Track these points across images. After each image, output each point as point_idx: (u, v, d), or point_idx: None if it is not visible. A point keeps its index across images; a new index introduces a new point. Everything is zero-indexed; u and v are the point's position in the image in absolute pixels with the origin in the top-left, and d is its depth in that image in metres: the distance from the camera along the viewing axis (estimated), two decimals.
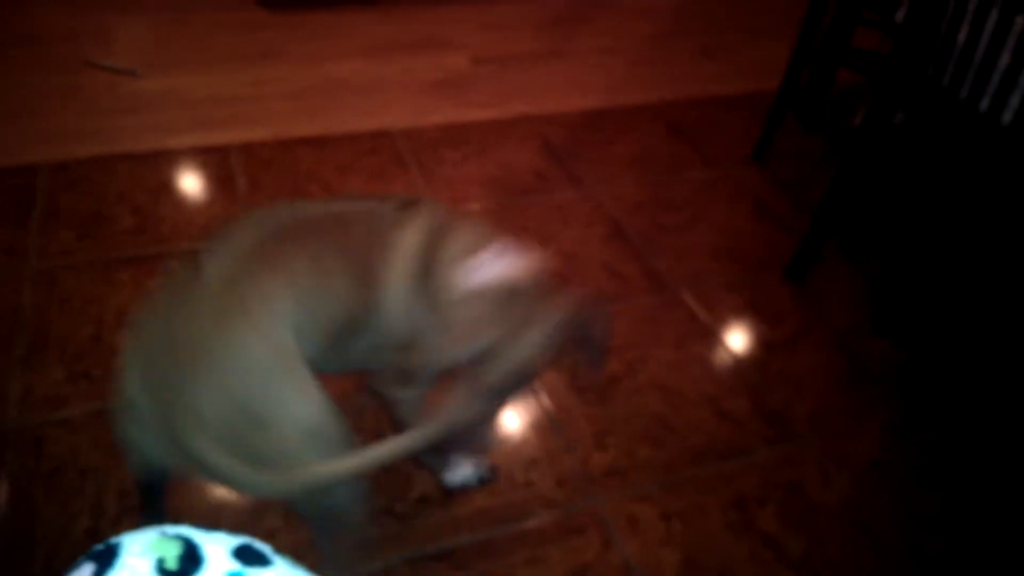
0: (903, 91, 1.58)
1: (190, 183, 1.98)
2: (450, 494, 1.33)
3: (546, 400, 1.51)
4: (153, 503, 1.09)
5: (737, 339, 1.71)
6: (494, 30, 2.85)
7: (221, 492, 1.30)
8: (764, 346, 1.69)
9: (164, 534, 0.50)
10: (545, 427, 1.46)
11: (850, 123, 2.46)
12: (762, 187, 2.18)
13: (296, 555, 0.55)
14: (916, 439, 1.52)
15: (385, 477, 1.34)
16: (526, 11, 3.01)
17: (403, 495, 1.32)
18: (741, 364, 1.65)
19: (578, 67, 2.69)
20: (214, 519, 1.27)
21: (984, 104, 1.41)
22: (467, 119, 2.34)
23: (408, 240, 1.05)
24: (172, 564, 0.48)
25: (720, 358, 1.66)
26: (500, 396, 1.09)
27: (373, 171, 2.08)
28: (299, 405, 0.90)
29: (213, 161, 2.05)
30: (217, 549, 0.50)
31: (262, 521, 1.26)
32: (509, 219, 1.96)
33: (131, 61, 2.41)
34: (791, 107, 2.27)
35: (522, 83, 2.56)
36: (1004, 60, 1.37)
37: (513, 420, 1.47)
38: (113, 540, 0.50)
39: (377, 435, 1.08)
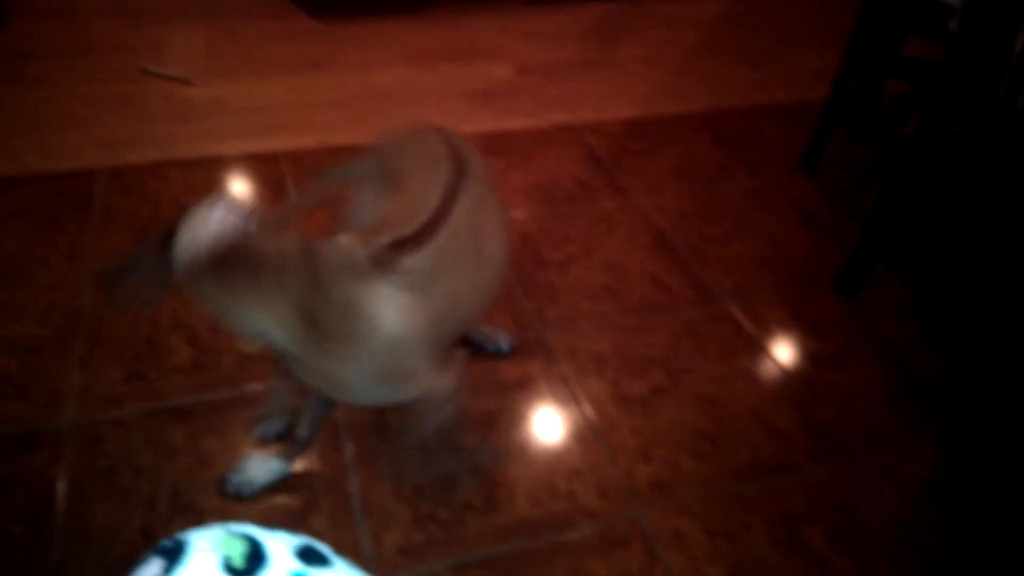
0: (957, 101, 1.54)
1: (240, 188, 2.02)
2: (492, 500, 1.33)
3: (588, 410, 1.51)
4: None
5: (784, 352, 1.68)
6: (537, 39, 2.86)
7: (270, 493, 1.32)
8: (812, 360, 1.67)
9: (230, 532, 0.51)
10: (588, 437, 1.46)
11: (901, 134, 2.41)
12: (810, 198, 2.15)
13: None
14: (970, 457, 1.49)
15: (430, 484, 1.35)
16: (569, 21, 3.02)
17: (447, 501, 1.33)
18: (788, 378, 1.62)
19: (621, 76, 2.68)
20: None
21: None
22: (510, 127, 2.35)
23: None
24: (238, 562, 0.49)
25: (767, 371, 1.63)
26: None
27: None
28: None
29: (262, 167, 2.09)
30: (280, 548, 0.51)
31: (308, 523, 1.28)
32: (553, 228, 1.96)
33: (185, 70, 2.48)
34: (840, 117, 2.23)
35: (565, 92, 2.56)
36: None
37: (555, 429, 1.47)
38: (180, 536, 0.51)
39: None
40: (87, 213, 1.88)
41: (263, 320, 0.99)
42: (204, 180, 2.02)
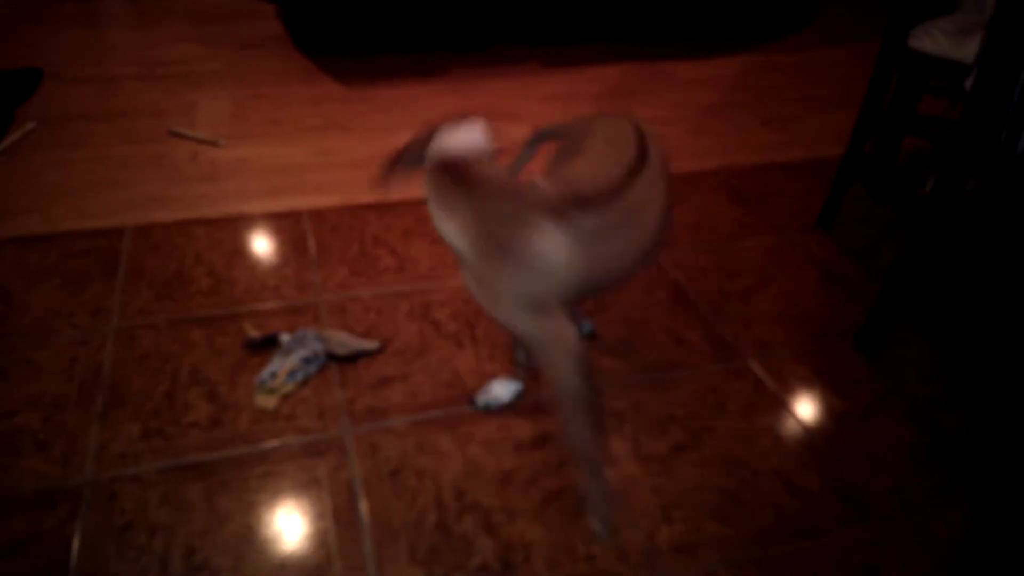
0: (974, 158, 1.55)
1: (263, 246, 2.05)
2: (508, 563, 1.30)
3: (611, 470, 1.48)
4: None
5: (807, 410, 1.66)
6: (554, 101, 2.92)
7: (283, 553, 1.30)
8: (836, 418, 1.64)
9: None
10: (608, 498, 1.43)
11: (920, 191, 2.41)
12: (829, 254, 2.14)
13: None
14: (1003, 519, 1.43)
15: (445, 545, 1.33)
16: (585, 83, 3.09)
17: (462, 564, 1.30)
18: (812, 437, 1.59)
19: None
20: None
21: None
22: None
23: None
24: None
25: (789, 430, 1.60)
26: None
27: (436, 236, 2.11)
28: None
29: (285, 226, 2.13)
30: None
31: None
32: None
33: (212, 132, 2.55)
34: (857, 175, 2.24)
35: None
36: None
37: (573, 489, 1.45)
38: None
39: None
40: (113, 270, 1.92)
41: (454, 224, 1.24)
42: (229, 238, 2.06)
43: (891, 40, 1.97)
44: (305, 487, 1.41)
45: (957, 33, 1.88)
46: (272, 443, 1.49)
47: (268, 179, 2.35)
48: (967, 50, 1.83)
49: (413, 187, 2.26)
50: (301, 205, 2.22)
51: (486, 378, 1.66)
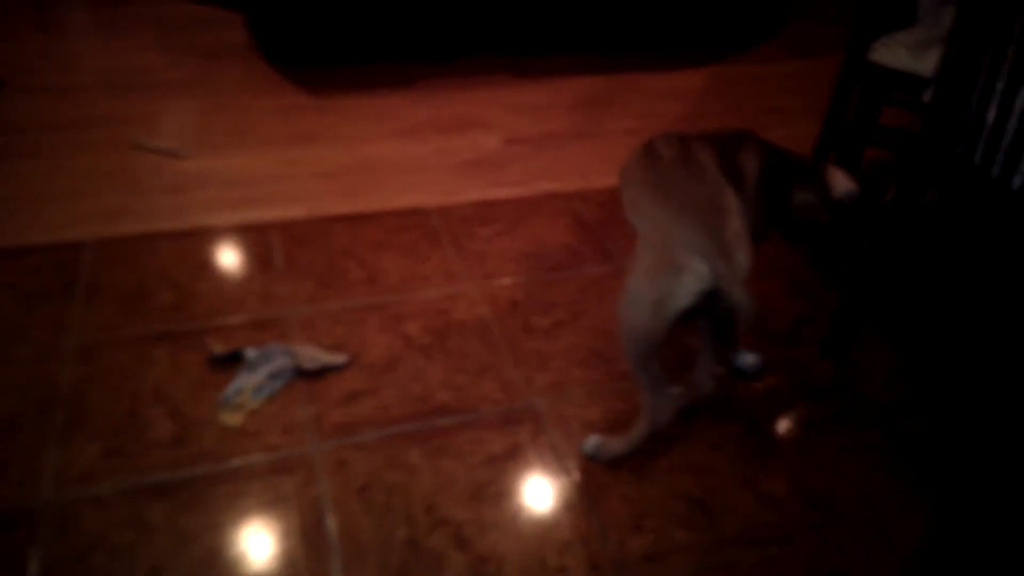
0: (933, 169, 1.58)
1: (229, 260, 2.03)
2: None
3: (579, 479, 1.48)
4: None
5: (774, 417, 1.67)
6: (525, 112, 2.93)
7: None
8: (802, 425, 1.65)
9: None
10: (578, 508, 1.43)
11: (881, 200, 2.45)
12: (795, 263, 2.17)
13: None
14: (965, 521, 1.46)
15: (415, 561, 1.31)
16: (555, 94, 3.10)
17: None
18: (779, 444, 1.61)
19: (608, 147, 2.74)
20: None
21: (1017, 181, 1.40)
22: (499, 197, 2.39)
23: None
24: None
25: (758, 437, 1.62)
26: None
27: (407, 247, 2.11)
28: None
29: (251, 239, 2.10)
30: None
31: None
32: (542, 294, 1.97)
33: (176, 143, 2.52)
34: None
35: (553, 162, 2.61)
36: None
37: (545, 500, 1.44)
38: None
39: None
40: (73, 285, 1.88)
41: None
42: (193, 251, 2.03)
43: (853, 53, 2.01)
44: (272, 505, 1.39)
45: (916, 47, 1.93)
46: (238, 461, 1.47)
47: (234, 191, 2.32)
48: (926, 63, 1.88)
49: (381, 198, 2.24)
50: (268, 217, 2.19)
51: (457, 391, 1.65)
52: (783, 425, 1.66)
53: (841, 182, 1.49)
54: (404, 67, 3.20)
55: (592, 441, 1.53)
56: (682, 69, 3.40)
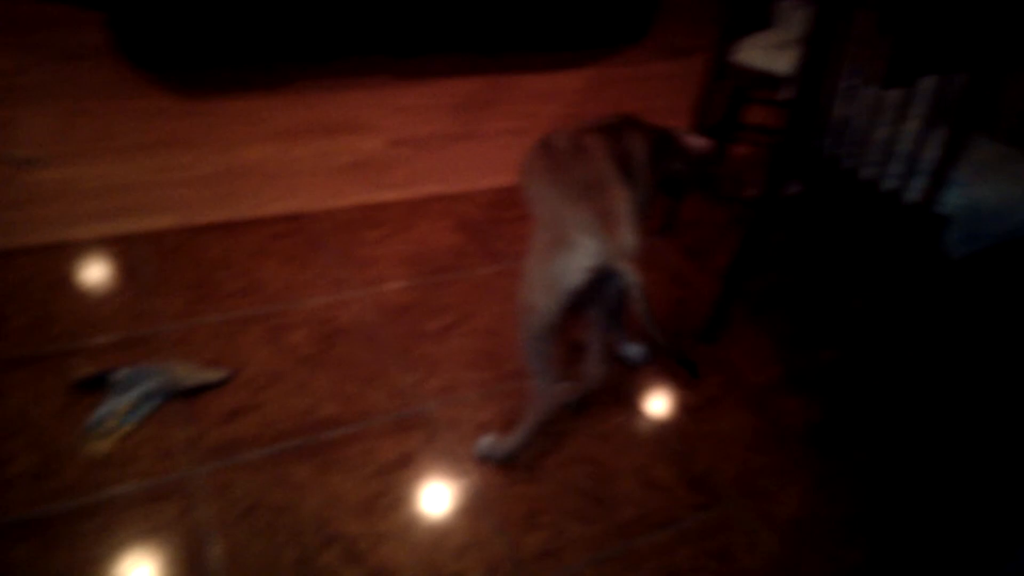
0: (794, 164, 1.68)
1: (93, 275, 1.90)
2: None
3: (474, 481, 1.48)
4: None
5: (659, 406, 1.73)
6: (407, 113, 2.91)
7: None
8: (684, 411, 1.72)
9: None
10: (475, 510, 1.43)
11: (747, 194, 2.59)
12: (674, 256, 2.26)
13: None
14: (837, 493, 1.56)
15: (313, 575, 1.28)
16: (437, 95, 3.09)
17: None
18: (664, 431, 1.66)
19: (491, 148, 2.75)
20: None
21: (865, 173, 1.51)
22: (384, 200, 2.35)
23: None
24: None
25: (644, 426, 1.67)
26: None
27: (287, 254, 2.05)
28: None
29: (117, 252, 1.98)
30: None
31: None
32: (430, 297, 1.96)
33: (33, 152, 2.33)
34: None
35: (437, 164, 2.60)
36: (882, 132, 1.48)
37: (441, 506, 1.43)
38: None
39: None
40: None
41: None
42: (53, 267, 1.89)
43: (717, 54, 2.11)
44: (150, 536, 1.31)
45: (773, 48, 2.04)
46: (110, 491, 1.38)
47: (97, 201, 2.17)
48: (781, 63, 1.99)
49: (258, 204, 2.16)
50: (135, 228, 2.07)
51: (345, 401, 1.62)
52: (665, 412, 1.72)
53: (696, 142, 1.68)
54: (279, 69, 3.10)
55: (484, 442, 1.53)
56: (559, 71, 3.47)
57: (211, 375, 1.61)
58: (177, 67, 2.98)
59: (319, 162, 2.52)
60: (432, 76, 3.24)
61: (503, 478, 1.50)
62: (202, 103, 2.78)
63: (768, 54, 2.02)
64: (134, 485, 1.39)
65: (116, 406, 1.49)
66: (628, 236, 1.32)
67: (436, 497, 1.45)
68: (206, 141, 2.54)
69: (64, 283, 1.85)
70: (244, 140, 2.59)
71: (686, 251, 2.29)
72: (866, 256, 2.31)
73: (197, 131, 2.59)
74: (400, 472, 1.48)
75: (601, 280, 1.37)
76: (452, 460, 1.52)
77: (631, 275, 1.29)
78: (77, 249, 1.97)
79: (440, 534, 1.38)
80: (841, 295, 2.18)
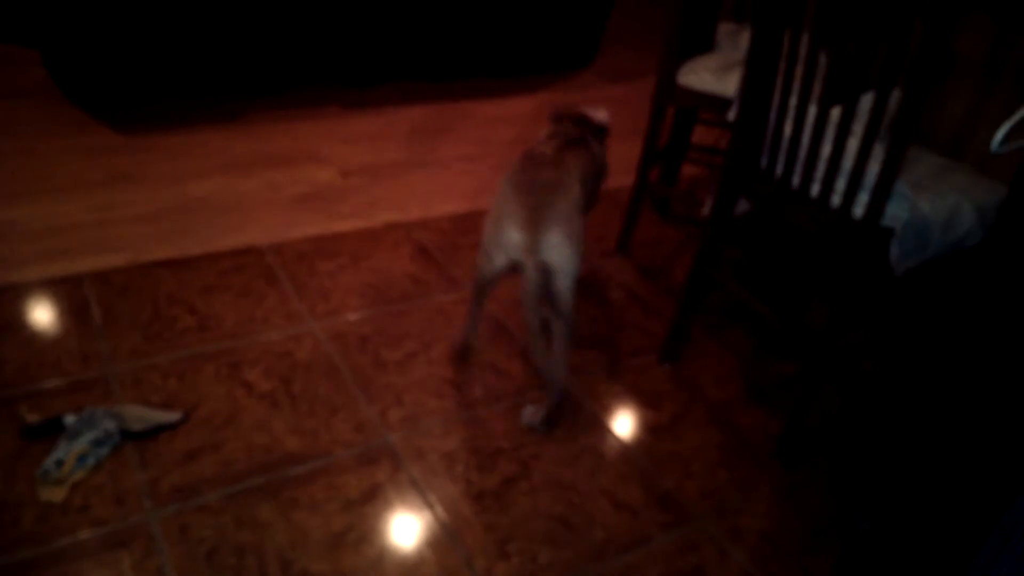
0: (742, 182, 1.72)
1: (38, 318, 1.83)
2: None
3: (441, 512, 1.46)
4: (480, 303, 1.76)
5: (623, 426, 1.74)
6: (358, 142, 2.90)
7: None
8: (649, 430, 1.73)
9: None
10: (443, 542, 1.41)
11: (699, 213, 2.64)
12: (629, 276, 2.29)
13: None
14: (804, 504, 1.59)
15: None
16: (388, 124, 3.09)
17: None
18: (629, 451, 1.67)
19: (445, 174, 2.76)
20: None
21: (815, 190, 1.56)
22: (338, 230, 2.33)
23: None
24: None
25: (609, 447, 1.67)
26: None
27: (241, 288, 2.01)
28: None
29: (63, 292, 1.92)
30: None
31: None
32: (390, 326, 1.94)
33: None
34: (646, 201, 2.42)
35: (391, 192, 2.59)
36: (826, 149, 1.53)
37: (408, 539, 1.41)
38: None
39: None
40: None
41: None
42: None
43: (663, 77, 2.15)
44: None
45: (718, 70, 2.10)
46: (64, 540, 1.32)
47: (41, 242, 2.11)
48: (728, 85, 2.05)
49: (209, 238, 2.12)
50: (81, 268, 2.01)
51: (307, 436, 1.59)
52: (631, 432, 1.73)
53: (600, 115, 1.96)
54: (225, 102, 3.06)
55: (527, 413, 1.70)
56: (510, 96, 3.50)
57: (165, 416, 1.56)
58: (114, 104, 2.92)
59: (270, 194, 2.49)
60: (382, 105, 3.24)
61: (471, 509, 1.48)
62: (147, 138, 2.72)
63: (714, 76, 2.07)
64: (91, 532, 1.33)
65: (67, 452, 1.43)
66: (543, 237, 1.51)
67: (404, 530, 1.43)
68: (153, 176, 2.49)
69: (10, 327, 1.78)
70: (192, 174, 2.54)
71: (642, 271, 2.32)
72: (819, 270, 2.37)
73: (143, 167, 2.54)
74: (366, 506, 1.46)
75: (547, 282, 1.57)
76: (419, 491, 1.50)
77: (530, 270, 1.51)
78: (23, 291, 1.90)
79: (409, 567, 1.35)
80: (798, 309, 2.23)
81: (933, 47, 1.28)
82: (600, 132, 1.95)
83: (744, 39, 2.29)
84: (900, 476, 1.67)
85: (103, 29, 2.71)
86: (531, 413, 1.69)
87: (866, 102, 1.43)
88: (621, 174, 2.77)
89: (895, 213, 1.48)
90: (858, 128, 1.49)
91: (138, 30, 2.77)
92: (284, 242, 2.23)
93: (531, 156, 1.68)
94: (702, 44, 2.27)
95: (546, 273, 1.53)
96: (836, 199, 1.52)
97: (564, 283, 1.55)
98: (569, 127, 1.86)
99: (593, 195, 1.88)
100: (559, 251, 1.52)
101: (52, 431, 1.50)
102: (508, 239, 1.54)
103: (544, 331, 1.60)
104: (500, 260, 1.59)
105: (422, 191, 2.62)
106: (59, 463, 1.42)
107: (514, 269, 1.58)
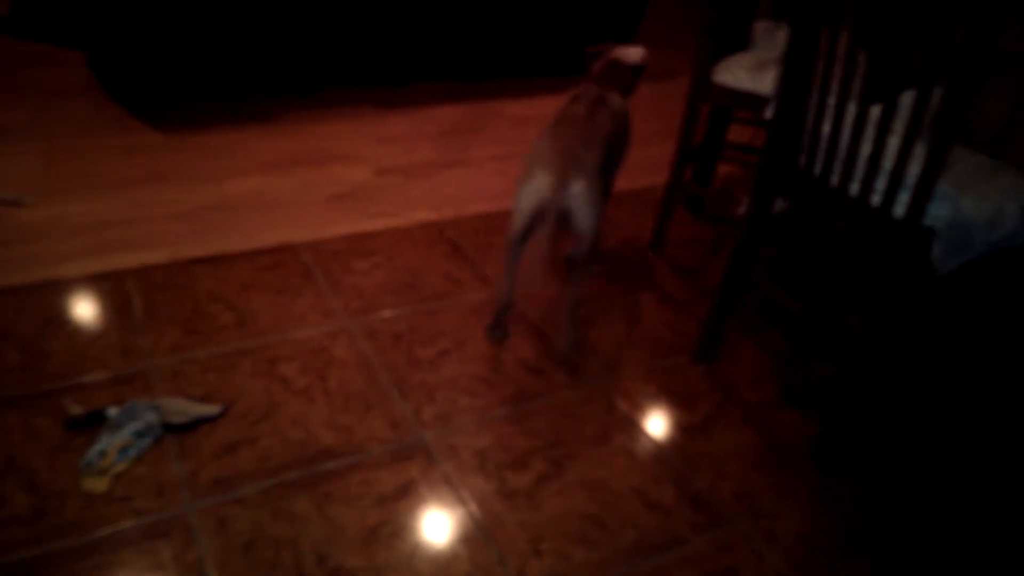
0: (779, 181, 1.70)
1: (82, 313, 1.88)
2: None
3: (474, 509, 1.47)
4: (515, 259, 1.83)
5: (657, 426, 1.73)
6: (392, 142, 2.92)
7: None
8: (683, 430, 1.72)
9: None
10: (476, 539, 1.42)
11: (734, 213, 2.62)
12: (663, 275, 2.27)
13: None
14: (840, 507, 1.56)
15: None
16: (421, 124, 3.11)
17: None
18: (663, 451, 1.66)
19: (478, 173, 2.77)
20: None
21: (854, 189, 1.54)
22: (372, 228, 2.35)
23: None
24: None
25: (643, 447, 1.67)
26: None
27: (278, 286, 2.04)
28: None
29: (106, 288, 1.96)
30: None
31: None
32: (424, 324, 1.95)
33: (18, 191, 2.32)
34: (680, 200, 2.40)
35: (425, 191, 2.61)
36: (866, 148, 1.51)
37: (441, 535, 1.42)
38: None
39: None
40: None
41: None
42: (40, 306, 1.87)
43: (698, 76, 2.14)
44: (149, 574, 1.29)
45: (754, 68, 2.08)
46: (106, 530, 1.35)
47: (85, 238, 2.16)
48: (764, 83, 2.03)
49: (246, 236, 2.16)
50: (123, 264, 2.06)
51: (342, 432, 1.60)
52: (664, 432, 1.72)
53: (634, 55, 2.08)
54: (261, 102, 3.11)
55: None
56: (541, 96, 3.51)
57: (205, 409, 1.59)
58: (159, 102, 2.98)
59: (306, 193, 2.52)
60: (415, 105, 3.26)
61: (504, 506, 1.49)
62: (187, 138, 2.78)
63: (751, 74, 2.05)
64: (131, 523, 1.36)
65: (109, 444, 1.47)
66: (569, 185, 1.64)
67: (437, 527, 1.44)
68: (192, 175, 2.54)
69: (54, 321, 1.83)
70: (230, 173, 2.59)
71: (675, 270, 2.31)
72: (858, 271, 2.33)
73: (183, 166, 2.59)
74: (400, 502, 1.47)
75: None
76: (452, 488, 1.51)
77: (551, 211, 1.62)
78: (66, 287, 1.95)
79: (442, 564, 1.36)
80: (836, 310, 2.20)
81: (976, 45, 1.26)
82: (636, 72, 2.08)
83: (780, 37, 2.26)
84: (939, 481, 1.64)
85: (145, 31, 2.77)
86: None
87: (907, 100, 1.41)
88: (654, 173, 2.76)
89: (937, 213, 1.46)
90: (898, 126, 1.47)
91: (178, 32, 2.83)
92: (319, 240, 2.26)
93: (565, 115, 1.80)
94: (738, 42, 2.26)
95: (565, 216, 1.66)
96: (876, 198, 1.50)
97: (587, 226, 1.69)
98: (594, 90, 1.92)
99: (623, 147, 2.02)
100: (581, 199, 1.66)
101: (95, 423, 1.54)
102: (537, 183, 1.66)
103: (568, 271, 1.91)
104: (529, 203, 1.69)
105: (455, 190, 2.63)
106: (102, 454, 1.46)
107: (540, 216, 1.69)
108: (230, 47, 2.96)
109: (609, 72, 2.03)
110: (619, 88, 2.01)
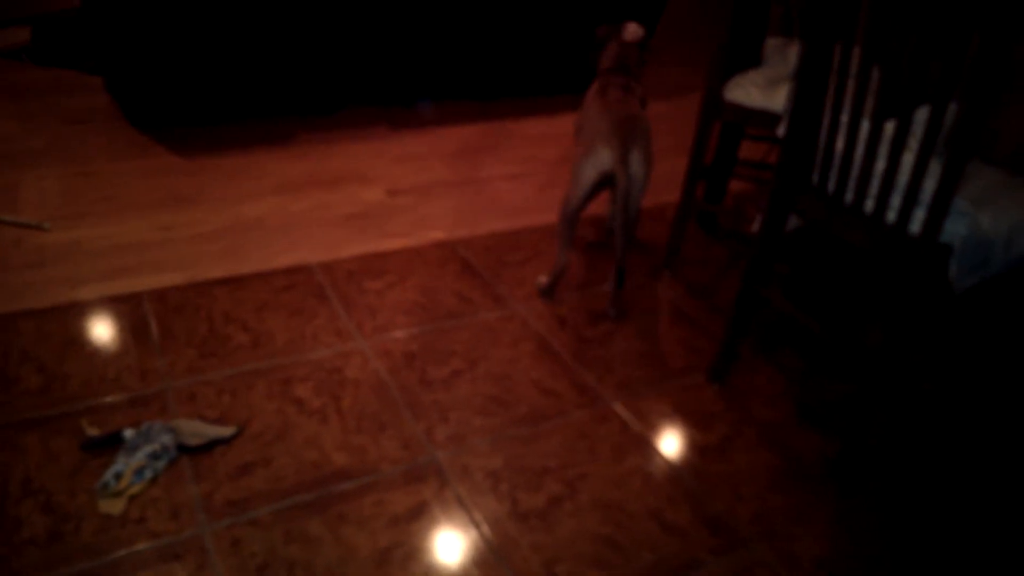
0: (792, 198, 1.69)
1: (100, 334, 1.90)
2: None
3: (487, 531, 1.46)
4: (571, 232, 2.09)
5: (671, 446, 1.72)
6: (406, 163, 2.94)
7: None
8: (698, 451, 1.71)
9: None
10: (489, 561, 1.41)
11: (747, 230, 2.61)
12: (677, 293, 2.26)
13: None
14: (860, 530, 1.54)
15: None
16: (434, 144, 3.13)
17: None
18: (678, 472, 1.65)
19: (491, 193, 2.78)
20: None
21: (868, 206, 1.53)
22: (386, 248, 2.37)
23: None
24: None
25: (657, 468, 1.65)
26: None
27: (293, 307, 2.05)
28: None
29: (124, 310, 1.98)
30: None
31: None
32: (436, 344, 1.95)
33: (39, 215, 2.36)
34: (693, 218, 2.39)
35: (438, 211, 2.62)
36: (880, 164, 1.50)
37: (453, 558, 1.41)
38: None
39: None
40: None
41: None
42: (60, 329, 1.89)
43: (710, 94, 2.14)
44: None
45: (766, 85, 2.07)
46: (121, 552, 1.36)
47: (103, 261, 2.19)
48: (776, 100, 2.02)
49: (262, 258, 2.18)
50: (141, 286, 2.08)
51: (355, 453, 1.60)
52: (679, 453, 1.70)
53: (631, 32, 2.23)
54: (277, 123, 3.15)
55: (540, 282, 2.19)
56: (555, 114, 3.52)
57: (219, 431, 1.60)
58: (176, 126, 3.03)
59: (321, 214, 2.54)
60: (429, 125, 3.29)
61: (517, 528, 1.48)
62: (205, 160, 2.81)
63: (761, 91, 2.05)
64: (146, 545, 1.37)
65: (125, 466, 1.48)
66: (632, 154, 1.91)
67: (450, 549, 1.43)
68: (209, 197, 2.57)
69: (73, 344, 1.85)
70: (247, 195, 2.61)
71: (689, 288, 2.30)
72: (873, 288, 2.31)
73: (200, 188, 2.62)
74: (413, 523, 1.46)
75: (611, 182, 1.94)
76: (465, 509, 1.50)
77: (621, 179, 1.88)
78: (85, 309, 1.98)
79: None
80: (851, 328, 2.18)
81: (992, 57, 1.25)
82: (643, 47, 2.25)
83: (792, 53, 2.26)
84: (963, 501, 1.61)
85: (162, 56, 2.82)
86: (542, 282, 2.18)
87: (921, 116, 1.40)
88: (667, 190, 2.76)
89: (954, 229, 1.44)
90: (913, 143, 1.46)
91: (195, 57, 2.88)
92: (334, 261, 2.28)
93: (609, 98, 2.03)
94: (750, 59, 2.25)
95: (631, 182, 1.90)
96: (891, 215, 1.49)
97: (638, 193, 1.95)
98: (619, 78, 2.11)
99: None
100: (640, 166, 1.93)
101: (111, 444, 1.55)
102: (601, 156, 1.91)
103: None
104: (592, 175, 1.93)
105: (468, 209, 2.64)
106: (117, 476, 1.47)
107: (601, 184, 1.94)
108: (247, 70, 3.00)
109: (621, 57, 2.19)
110: (633, 67, 2.20)
